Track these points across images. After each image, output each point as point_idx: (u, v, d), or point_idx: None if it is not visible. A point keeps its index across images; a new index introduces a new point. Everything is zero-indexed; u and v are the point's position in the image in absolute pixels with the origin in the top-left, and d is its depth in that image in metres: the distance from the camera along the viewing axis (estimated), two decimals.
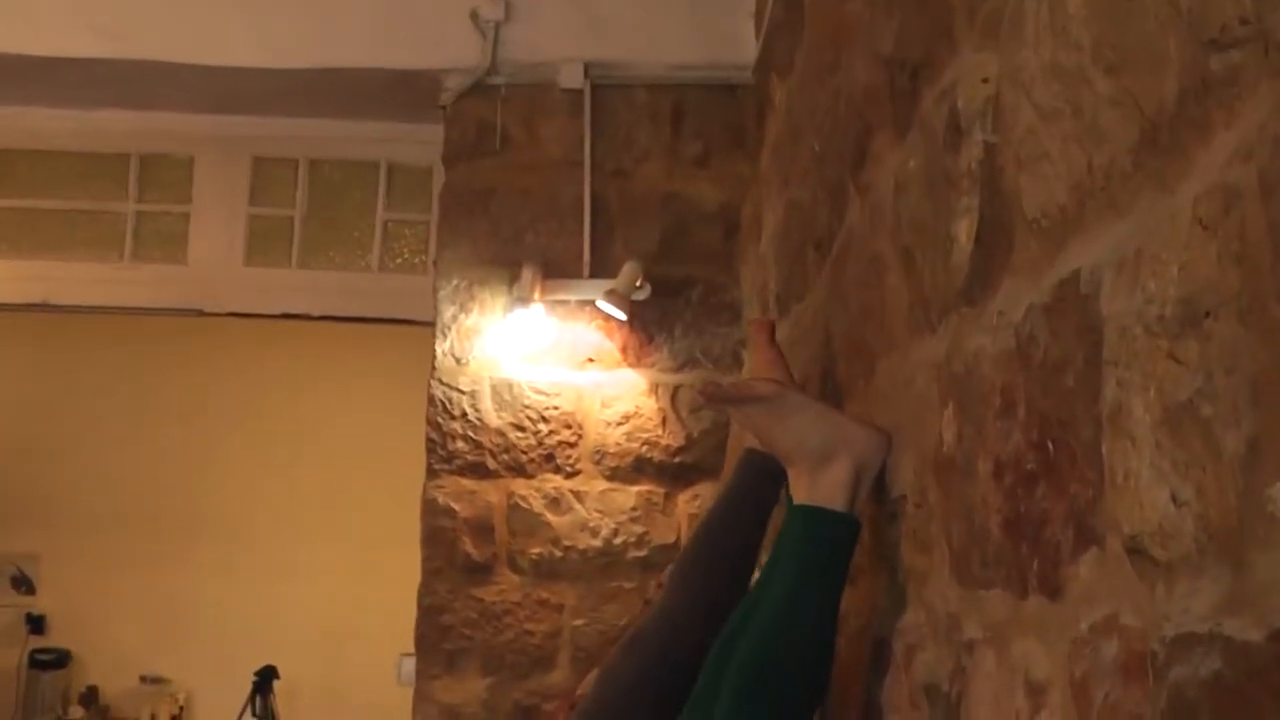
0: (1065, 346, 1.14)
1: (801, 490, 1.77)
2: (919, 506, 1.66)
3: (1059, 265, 1.17)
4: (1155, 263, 0.94)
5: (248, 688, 6.76)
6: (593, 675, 2.44)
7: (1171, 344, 0.91)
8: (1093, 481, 1.06)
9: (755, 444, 2.42)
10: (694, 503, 3.65)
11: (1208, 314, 0.86)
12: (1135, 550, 0.97)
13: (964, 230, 1.48)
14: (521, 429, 3.71)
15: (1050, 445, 1.17)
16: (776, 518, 2.34)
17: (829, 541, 1.75)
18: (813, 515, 1.75)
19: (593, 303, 3.67)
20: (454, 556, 3.69)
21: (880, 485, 1.84)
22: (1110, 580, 1.03)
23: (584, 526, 3.67)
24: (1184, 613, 0.88)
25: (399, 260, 4.43)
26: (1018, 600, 1.25)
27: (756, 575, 2.08)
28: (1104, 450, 1.03)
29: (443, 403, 3.73)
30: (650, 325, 3.74)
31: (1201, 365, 0.86)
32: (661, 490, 3.65)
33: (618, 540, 3.66)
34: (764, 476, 2.29)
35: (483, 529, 3.69)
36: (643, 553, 3.65)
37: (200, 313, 4.44)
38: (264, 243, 4.42)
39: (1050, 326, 1.18)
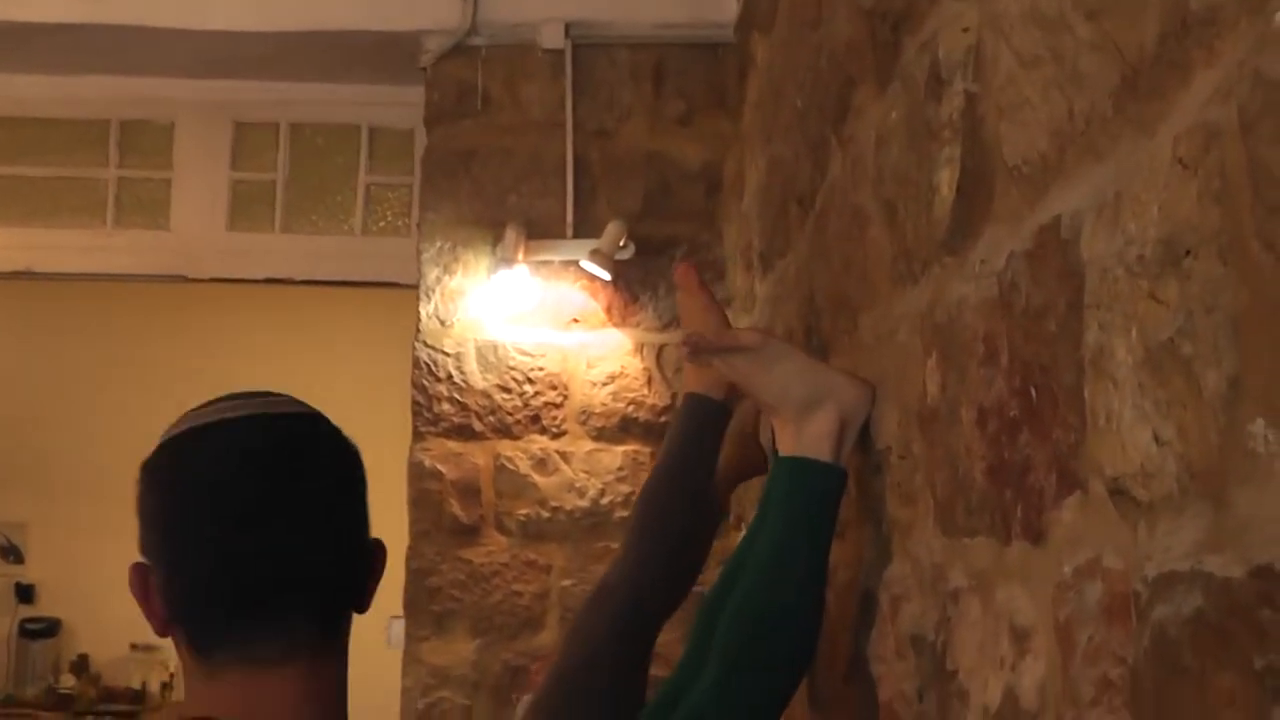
0: (1047, 292, 1.14)
1: (787, 442, 1.77)
2: (903, 458, 1.66)
3: (1040, 212, 1.17)
4: (1135, 204, 0.94)
5: None
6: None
7: (1152, 284, 0.91)
8: (1075, 426, 1.07)
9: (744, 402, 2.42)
10: None
11: (1188, 253, 0.86)
12: (1117, 491, 0.97)
13: (945, 180, 1.48)
14: (507, 390, 3.71)
15: (1033, 391, 1.17)
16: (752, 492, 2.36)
17: (816, 492, 1.75)
18: (798, 466, 1.75)
19: (577, 263, 3.67)
20: (441, 519, 3.70)
21: (865, 438, 1.84)
22: (1093, 524, 1.03)
23: (571, 487, 3.68)
24: (1165, 551, 0.88)
25: (382, 223, 4.42)
26: (1002, 547, 1.26)
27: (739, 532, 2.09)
28: (1086, 394, 1.04)
29: (427, 365, 3.73)
30: (634, 285, 3.74)
31: (1182, 304, 0.86)
32: (648, 450, 3.65)
33: (605, 500, 3.66)
34: (707, 418, 2.31)
35: (469, 491, 3.70)
36: (630, 512, 3.65)
37: (184, 279, 4.43)
38: (246, 207, 4.41)
39: (1032, 273, 1.18)
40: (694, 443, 2.37)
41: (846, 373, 1.86)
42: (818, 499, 1.75)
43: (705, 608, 1.91)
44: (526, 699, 2.43)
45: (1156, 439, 0.90)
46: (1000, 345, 1.26)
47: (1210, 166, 0.83)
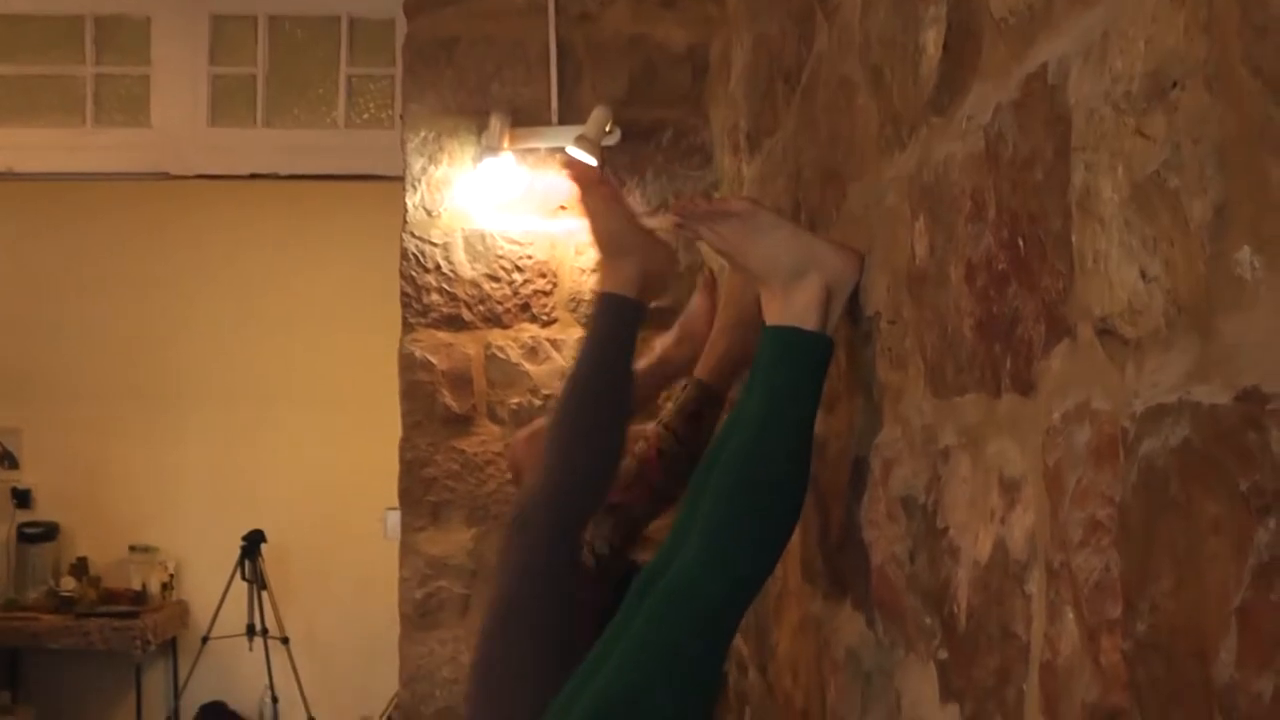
0: (1034, 140, 1.13)
1: (774, 311, 1.77)
2: (892, 323, 1.66)
3: (1027, 62, 1.16)
4: (1123, 40, 0.93)
5: (236, 552, 6.84)
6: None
7: (1139, 120, 0.90)
8: (1063, 273, 1.07)
9: (739, 282, 2.42)
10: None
11: (1175, 84, 0.85)
12: (1105, 331, 0.97)
13: (932, 39, 1.46)
14: (496, 279, 3.70)
15: (1021, 242, 1.17)
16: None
17: (802, 360, 1.75)
18: (785, 335, 1.75)
19: (563, 150, 3.64)
20: (433, 409, 3.71)
21: (854, 307, 1.84)
22: (1081, 368, 1.04)
23: (562, 374, 3.68)
24: (1153, 387, 0.89)
25: (365, 115, 4.38)
26: (991, 400, 1.26)
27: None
28: (1073, 239, 1.03)
29: (415, 256, 3.72)
30: (621, 170, 3.72)
31: (1169, 137, 0.86)
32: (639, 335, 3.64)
33: None
34: (623, 317, 2.30)
35: (461, 381, 3.70)
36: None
37: (167, 176, 4.40)
38: (227, 103, 4.37)
39: (1019, 122, 1.17)
40: (611, 341, 2.36)
41: (834, 242, 1.86)
42: (804, 368, 1.76)
43: (697, 472, 1.92)
44: None
45: (1143, 275, 0.90)
46: (988, 199, 1.26)
47: None
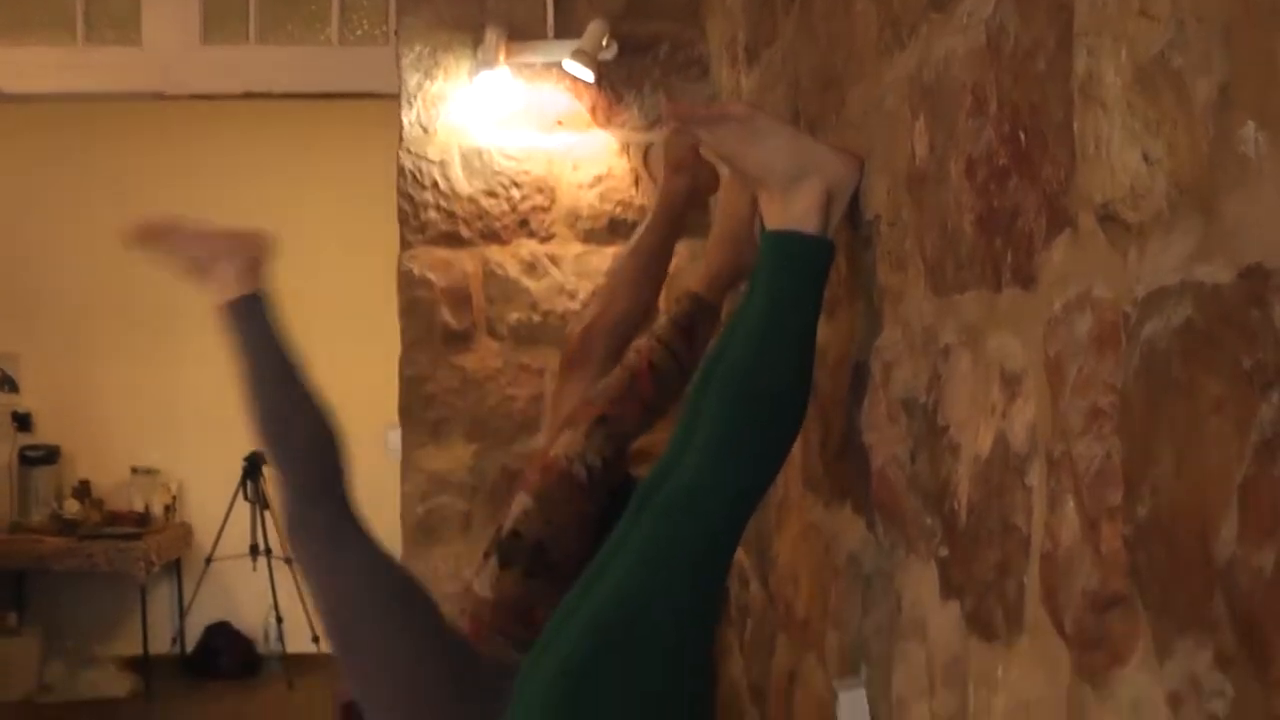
0: (1035, 30, 1.12)
1: (774, 216, 1.76)
2: (893, 225, 1.66)
3: None
4: None
5: (238, 473, 6.87)
6: (565, 437, 2.47)
7: (1143, 1, 0.89)
8: (1064, 163, 1.06)
9: (736, 194, 2.41)
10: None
11: None
12: (1107, 218, 0.97)
13: None
14: (494, 195, 3.68)
15: (1022, 135, 1.16)
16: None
17: (802, 266, 1.74)
18: (784, 239, 1.74)
19: (559, 64, 3.61)
20: (432, 326, 3.71)
21: (854, 212, 1.83)
22: (1083, 258, 1.03)
23: (561, 290, 3.68)
24: (1155, 270, 0.89)
25: (359, 32, 4.34)
26: (992, 296, 1.26)
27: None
28: (1075, 127, 1.03)
29: (412, 173, 3.70)
30: (619, 85, 3.69)
31: (1173, 16, 0.85)
32: None
33: None
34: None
35: (460, 298, 3.70)
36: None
37: (160, 95, 4.37)
38: (220, 20, 4.32)
39: (1020, 12, 1.16)
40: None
41: (834, 146, 1.84)
42: (804, 273, 1.75)
43: (695, 381, 1.92)
44: (523, 497, 2.46)
45: (1146, 158, 0.90)
46: (989, 93, 1.25)
47: None
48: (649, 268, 2.69)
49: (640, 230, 2.76)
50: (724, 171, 2.54)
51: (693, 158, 2.66)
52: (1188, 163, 0.84)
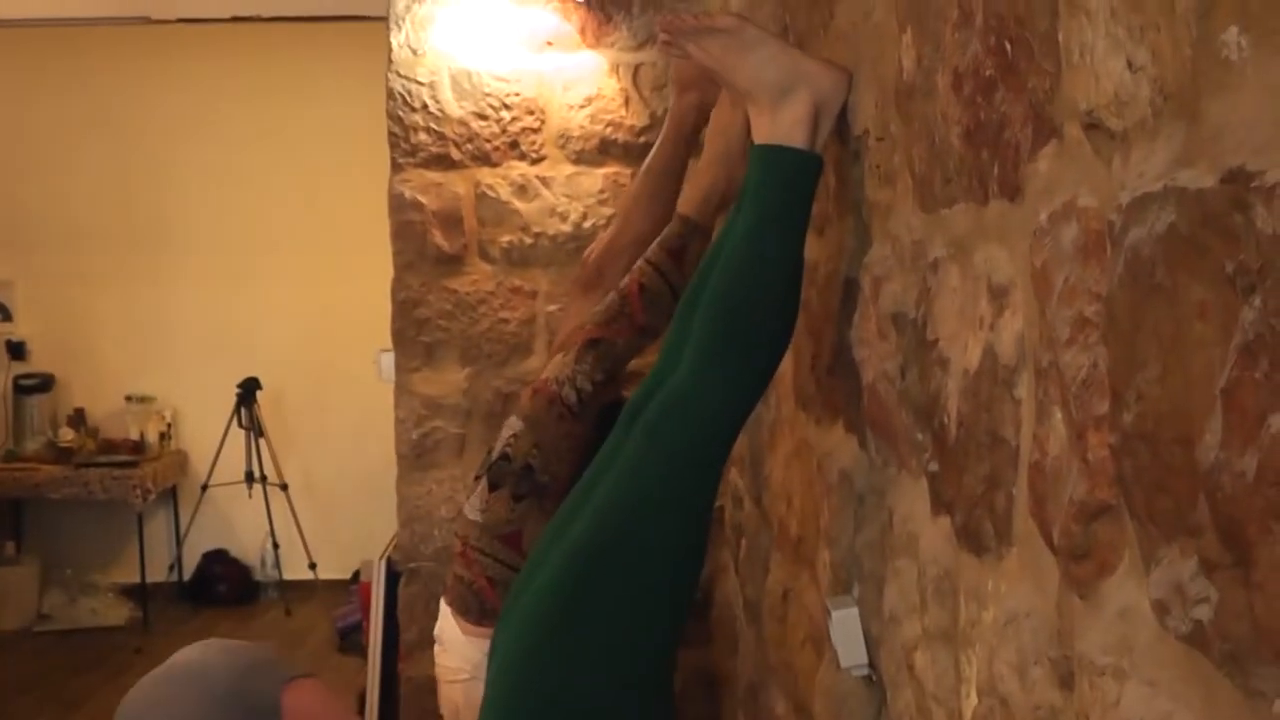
0: None
1: (762, 129, 1.76)
2: (881, 139, 1.65)
3: None
4: None
5: (232, 400, 6.88)
6: (556, 360, 2.48)
7: None
8: (1050, 73, 1.06)
9: (727, 113, 2.39)
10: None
11: None
12: (1092, 126, 0.96)
13: None
14: (484, 117, 3.67)
15: (1008, 46, 1.15)
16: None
17: (789, 179, 1.74)
18: (772, 153, 1.74)
19: None
20: (424, 249, 3.70)
21: (842, 127, 1.83)
22: (1068, 167, 1.03)
23: (552, 212, 3.67)
24: (1139, 177, 0.88)
25: None
26: (979, 209, 1.26)
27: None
28: (1060, 36, 1.02)
29: (402, 96, 3.68)
30: (608, 4, 3.67)
31: None
32: (628, 171, 3.63)
33: (587, 224, 3.66)
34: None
35: (451, 220, 3.69)
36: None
37: (148, 20, 4.33)
38: None
39: None
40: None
41: (822, 59, 1.83)
42: (792, 185, 1.74)
43: (686, 294, 1.92)
44: (514, 421, 2.47)
45: (1130, 65, 0.89)
46: (975, 5, 1.24)
47: None
48: (662, 188, 2.69)
49: (653, 151, 2.76)
50: None
51: (700, 75, 2.64)
52: (1171, 68, 0.84)
